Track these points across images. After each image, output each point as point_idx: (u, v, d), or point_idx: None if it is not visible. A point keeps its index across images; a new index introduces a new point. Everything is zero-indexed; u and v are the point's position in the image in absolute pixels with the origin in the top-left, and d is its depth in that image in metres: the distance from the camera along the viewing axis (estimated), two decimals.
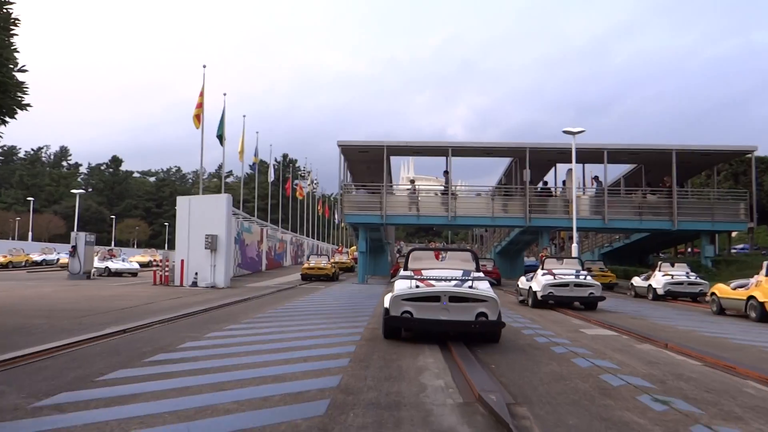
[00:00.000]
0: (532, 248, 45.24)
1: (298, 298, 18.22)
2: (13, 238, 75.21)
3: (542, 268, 17.10)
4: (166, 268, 23.33)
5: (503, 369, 7.14)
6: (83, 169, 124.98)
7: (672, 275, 20.44)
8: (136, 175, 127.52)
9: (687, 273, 20.68)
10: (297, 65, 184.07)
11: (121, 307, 13.96)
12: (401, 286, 9.07)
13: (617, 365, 7.54)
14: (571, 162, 30.35)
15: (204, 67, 27.70)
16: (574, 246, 24.55)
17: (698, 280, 20.38)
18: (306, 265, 31.20)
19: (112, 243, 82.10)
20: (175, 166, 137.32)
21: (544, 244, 28.56)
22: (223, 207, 22.92)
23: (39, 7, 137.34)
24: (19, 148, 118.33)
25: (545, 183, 31.00)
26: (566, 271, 16.50)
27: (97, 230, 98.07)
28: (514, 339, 9.96)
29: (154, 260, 25.00)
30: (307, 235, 70.81)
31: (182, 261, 22.82)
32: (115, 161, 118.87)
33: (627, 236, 35.57)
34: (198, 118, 27.10)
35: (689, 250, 47.84)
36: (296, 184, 55.43)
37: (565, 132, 24.38)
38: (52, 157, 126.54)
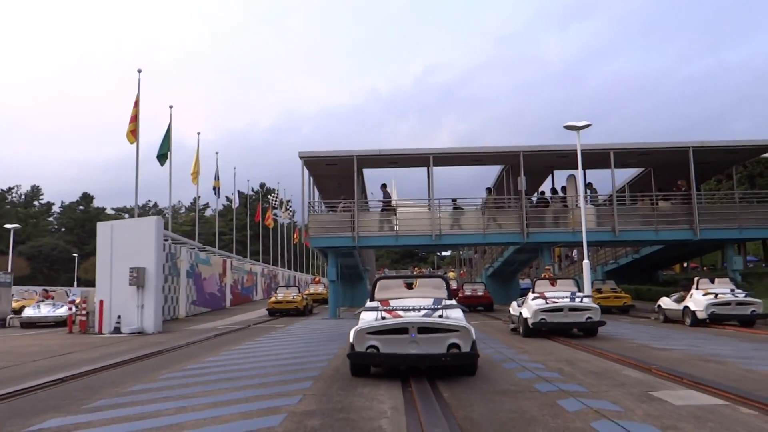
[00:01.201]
0: (528, 269, 41.11)
1: (240, 344, 13.82)
2: None
3: (533, 292, 15.06)
4: (83, 311, 18.78)
5: None
6: (56, 208, 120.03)
7: (715, 294, 16.19)
8: (110, 211, 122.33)
9: (732, 290, 16.54)
10: (279, 99, 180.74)
11: None
12: (366, 318, 8.44)
13: None
14: (570, 168, 26.55)
15: (139, 71, 23.57)
16: (586, 263, 20.38)
17: (749, 298, 16.19)
18: (273, 299, 27.40)
19: (75, 283, 77.02)
20: (153, 201, 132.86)
21: (546, 262, 24.35)
22: (152, 233, 18.50)
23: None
24: None
25: (542, 193, 26.86)
26: (560, 294, 14.53)
27: (64, 270, 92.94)
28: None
29: (74, 303, 20.16)
30: (287, 267, 66.30)
31: (101, 302, 18.31)
32: (86, 198, 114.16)
33: (636, 250, 31.48)
34: (133, 133, 22.87)
35: (702, 265, 44.03)
36: (266, 209, 50.96)
37: (567, 128, 20.39)
38: (23, 196, 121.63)
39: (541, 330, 14.16)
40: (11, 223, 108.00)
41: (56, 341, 15.84)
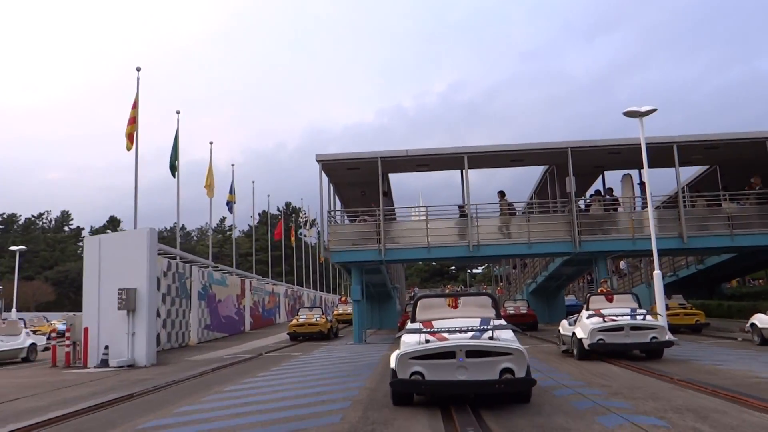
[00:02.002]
0: (572, 284, 37.75)
1: (238, 381, 11.01)
2: None
3: (587, 309, 13.54)
4: (67, 341, 16.20)
5: None
6: (86, 233, 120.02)
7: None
8: None
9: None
10: (306, 120, 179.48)
11: None
12: (409, 341, 7.65)
13: None
14: (623, 168, 23.33)
15: (138, 70, 21.28)
16: (657, 275, 17.16)
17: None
18: (294, 322, 24.80)
19: None
20: (182, 224, 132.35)
21: (602, 275, 21.05)
22: (143, 247, 15.87)
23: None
24: (20, 215, 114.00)
25: (597, 192, 23.48)
26: (619, 312, 12.99)
27: None
28: None
29: (53, 331, 17.17)
30: (313, 288, 63.70)
31: (85, 330, 15.70)
32: (113, 222, 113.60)
33: (700, 260, 27.90)
34: (131, 137, 20.51)
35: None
36: (290, 228, 48.45)
37: (627, 114, 17.30)
38: (52, 222, 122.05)
39: (598, 352, 12.53)
40: (40, 249, 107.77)
41: (18, 380, 13.24)
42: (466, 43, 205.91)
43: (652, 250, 20.94)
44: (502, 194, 22.55)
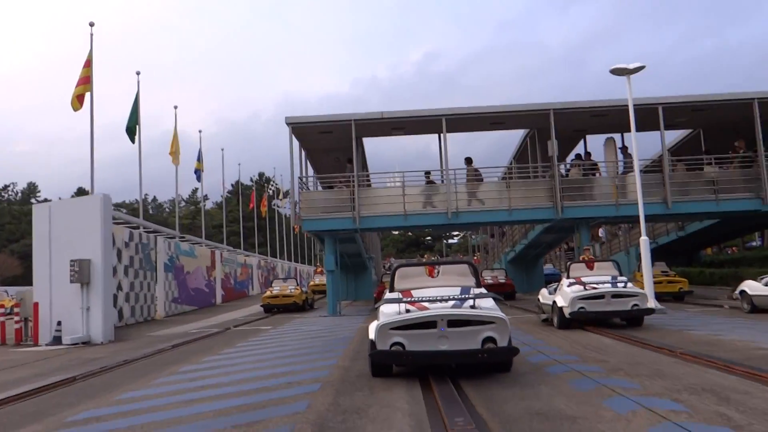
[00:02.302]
0: (551, 253, 37.28)
1: (199, 359, 10.00)
2: None
3: (567, 277, 13.31)
4: (17, 317, 14.98)
5: None
6: None
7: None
8: None
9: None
10: (280, 90, 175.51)
11: None
12: (388, 311, 7.26)
13: None
14: (606, 131, 22.50)
15: (91, 25, 19.66)
16: (644, 240, 16.46)
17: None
18: (268, 294, 24.02)
19: None
20: (152, 195, 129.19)
21: (584, 242, 20.36)
22: (97, 215, 14.60)
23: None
24: None
25: (578, 156, 22.59)
26: (600, 279, 12.78)
27: None
28: None
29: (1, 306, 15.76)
30: (288, 259, 62.61)
31: (35, 305, 14.49)
32: (81, 193, 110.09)
33: (681, 227, 27.44)
34: (80, 99, 18.96)
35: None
36: (261, 197, 47.13)
37: (614, 72, 16.41)
38: (18, 194, 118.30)
39: (579, 320, 12.42)
40: (5, 221, 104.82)
41: None
42: (442, 13, 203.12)
43: (635, 216, 20.29)
44: (468, 160, 21.69)
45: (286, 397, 6.51)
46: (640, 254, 29.93)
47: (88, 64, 19.04)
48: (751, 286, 14.47)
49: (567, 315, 12.30)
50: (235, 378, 7.98)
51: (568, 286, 12.72)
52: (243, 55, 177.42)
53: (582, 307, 12.18)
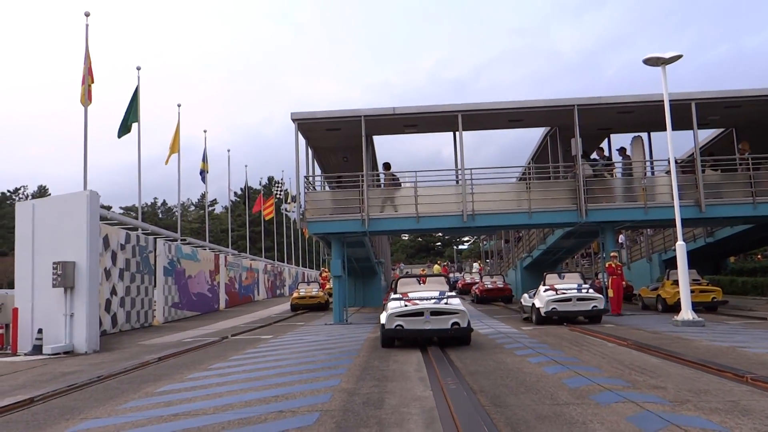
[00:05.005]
0: (572, 258, 35.68)
1: (183, 375, 8.76)
2: None
3: (544, 285, 16.46)
4: None
5: None
6: None
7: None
8: (118, 210, 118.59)
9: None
10: (292, 96, 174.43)
11: None
12: (393, 305, 11.43)
13: None
14: (632, 130, 21.06)
15: (87, 15, 18.60)
16: (681, 246, 14.97)
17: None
18: (296, 295, 27.28)
19: None
20: (161, 200, 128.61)
21: (609, 247, 18.96)
22: (83, 214, 13.41)
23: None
24: None
25: (606, 158, 21.03)
26: (568, 286, 16.06)
27: None
28: None
29: None
30: (297, 264, 61.47)
31: (14, 311, 13.32)
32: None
33: (710, 232, 25.92)
34: (88, 96, 17.91)
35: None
36: (267, 200, 45.98)
37: (647, 62, 15.00)
38: (29, 197, 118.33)
39: (551, 318, 15.61)
40: (13, 224, 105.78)
41: None
42: (454, 19, 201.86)
43: (665, 220, 18.96)
44: (387, 166, 20.61)
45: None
46: (664, 261, 28.72)
47: (88, 57, 17.98)
48: None
49: (543, 314, 15.60)
50: (219, 403, 6.72)
51: (544, 291, 16.05)
52: (253, 57, 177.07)
53: (554, 308, 15.53)
